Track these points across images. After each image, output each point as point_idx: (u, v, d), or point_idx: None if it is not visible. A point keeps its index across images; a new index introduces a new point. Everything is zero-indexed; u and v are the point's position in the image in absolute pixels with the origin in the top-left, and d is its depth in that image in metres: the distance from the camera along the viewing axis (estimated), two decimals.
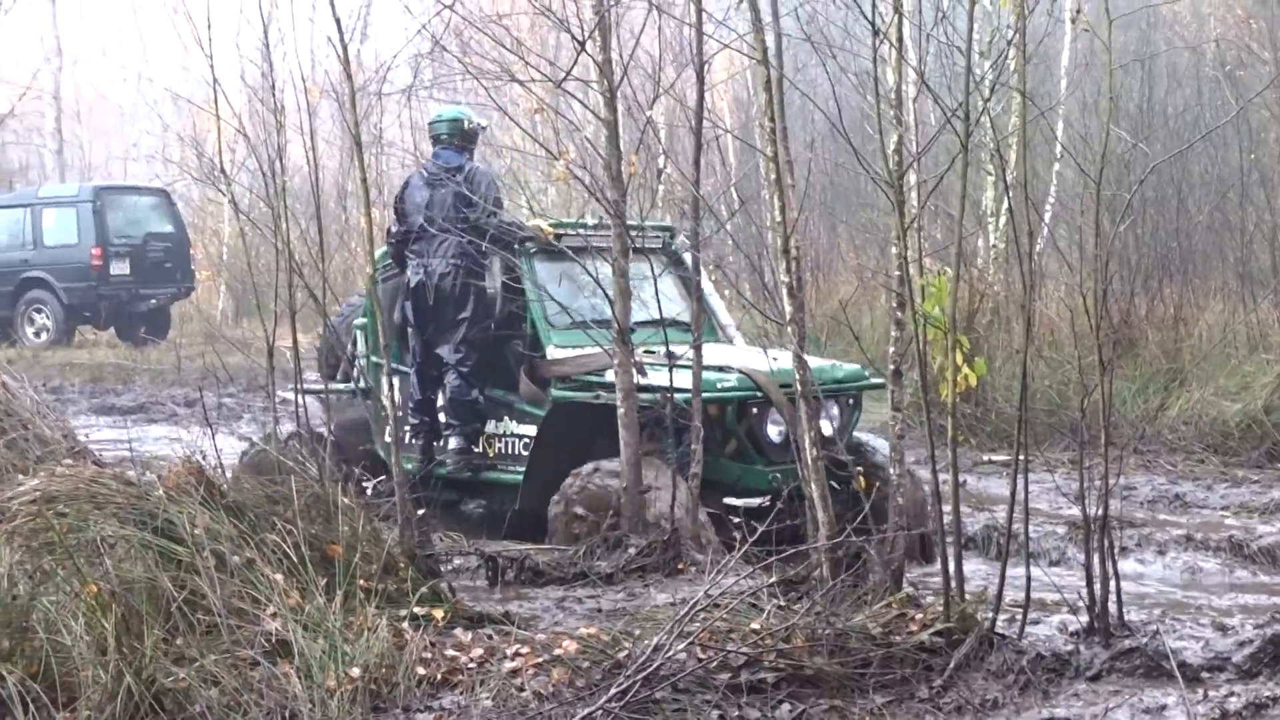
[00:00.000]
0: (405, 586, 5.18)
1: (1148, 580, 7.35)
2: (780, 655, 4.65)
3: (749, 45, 5.86)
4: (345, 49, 6.27)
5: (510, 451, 7.85)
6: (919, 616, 4.97)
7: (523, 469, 7.63)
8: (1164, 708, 4.44)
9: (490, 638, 4.94)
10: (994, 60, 11.03)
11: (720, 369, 7.20)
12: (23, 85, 29.65)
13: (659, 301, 6.96)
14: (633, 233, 7.04)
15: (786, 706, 4.50)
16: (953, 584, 5.05)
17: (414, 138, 19.79)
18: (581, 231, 7.75)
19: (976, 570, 6.81)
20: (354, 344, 8.38)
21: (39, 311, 20.80)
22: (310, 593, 4.80)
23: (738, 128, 18.27)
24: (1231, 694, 4.49)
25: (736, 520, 6.35)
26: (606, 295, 6.88)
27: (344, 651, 4.55)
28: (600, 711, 4.30)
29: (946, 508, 5.19)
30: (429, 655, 4.70)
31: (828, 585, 5.16)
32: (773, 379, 7.04)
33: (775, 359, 7.04)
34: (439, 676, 4.61)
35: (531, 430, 7.68)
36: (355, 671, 4.47)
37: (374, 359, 8.01)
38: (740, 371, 7.16)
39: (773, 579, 5.23)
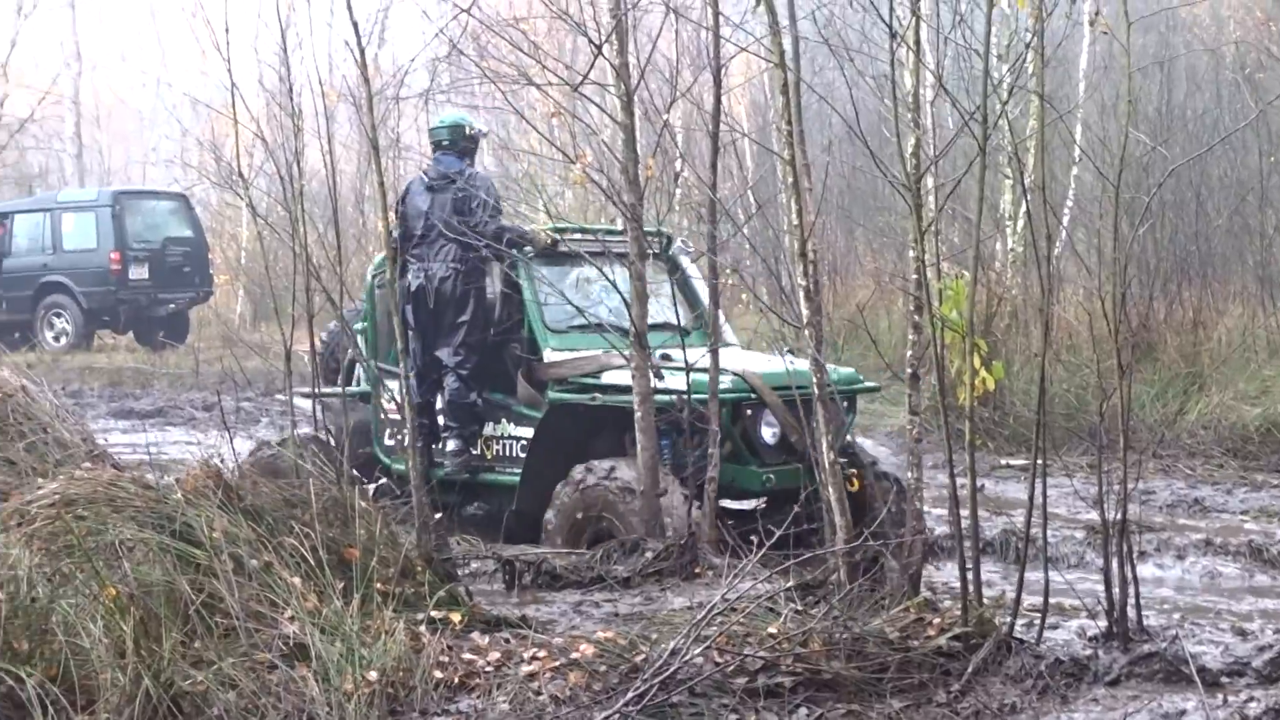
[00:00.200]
0: (422, 590, 5.19)
1: (1167, 585, 7.34)
2: (797, 659, 4.64)
3: (766, 48, 5.86)
4: (363, 53, 6.28)
5: (507, 454, 7.87)
6: (937, 621, 4.96)
7: (519, 471, 7.66)
8: (1183, 713, 4.42)
9: (507, 641, 4.95)
10: (1012, 63, 10.99)
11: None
12: (42, 90, 29.77)
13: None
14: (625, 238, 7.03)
15: (804, 711, 4.49)
16: (970, 588, 5.04)
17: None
18: (580, 235, 7.75)
19: (994, 575, 6.80)
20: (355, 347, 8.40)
21: (58, 316, 20.86)
22: (328, 596, 4.81)
23: (755, 131, 18.25)
24: (1251, 699, 4.47)
25: (730, 521, 6.37)
26: (623, 298, 6.89)
27: (361, 655, 4.56)
28: (617, 715, 4.30)
29: (964, 512, 5.18)
30: (446, 659, 4.71)
31: (845, 589, 5.16)
32: (766, 381, 7.06)
33: (769, 361, 7.04)
34: (456, 680, 4.62)
35: (529, 432, 7.70)
36: (373, 675, 4.48)
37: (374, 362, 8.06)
38: (734, 373, 7.16)
39: (790, 583, 5.22)
